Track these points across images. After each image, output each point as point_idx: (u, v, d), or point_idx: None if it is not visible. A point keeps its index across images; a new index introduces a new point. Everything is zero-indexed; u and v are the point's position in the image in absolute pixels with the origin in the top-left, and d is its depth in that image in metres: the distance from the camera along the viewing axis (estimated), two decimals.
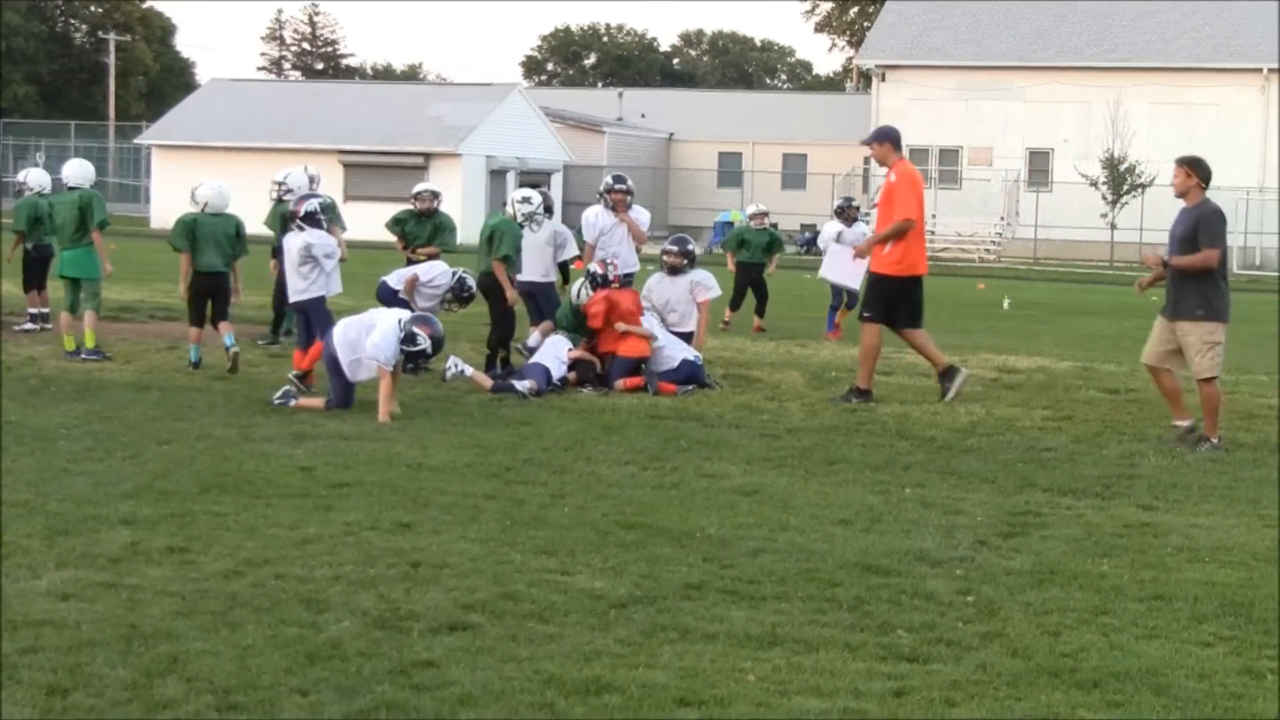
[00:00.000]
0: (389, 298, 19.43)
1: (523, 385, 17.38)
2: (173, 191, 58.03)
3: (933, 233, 66.03)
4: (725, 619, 8.96)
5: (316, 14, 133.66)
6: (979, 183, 66.81)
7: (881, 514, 11.98)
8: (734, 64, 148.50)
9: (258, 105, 69.43)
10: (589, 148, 74.96)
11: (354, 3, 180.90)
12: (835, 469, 13.82)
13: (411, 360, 16.57)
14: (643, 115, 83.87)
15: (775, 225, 29.03)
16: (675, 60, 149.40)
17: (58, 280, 22.64)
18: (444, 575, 9.66)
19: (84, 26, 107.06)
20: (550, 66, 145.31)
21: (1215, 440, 15.47)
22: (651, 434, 15.27)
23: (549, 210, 20.00)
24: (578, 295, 18.94)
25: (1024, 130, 66.98)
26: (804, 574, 10.03)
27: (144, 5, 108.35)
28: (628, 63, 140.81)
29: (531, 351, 18.98)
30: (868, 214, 28.33)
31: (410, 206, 21.94)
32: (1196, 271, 15.27)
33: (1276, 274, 57.19)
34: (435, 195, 22.08)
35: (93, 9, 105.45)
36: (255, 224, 21.62)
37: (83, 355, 19.00)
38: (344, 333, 16.06)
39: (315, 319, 17.51)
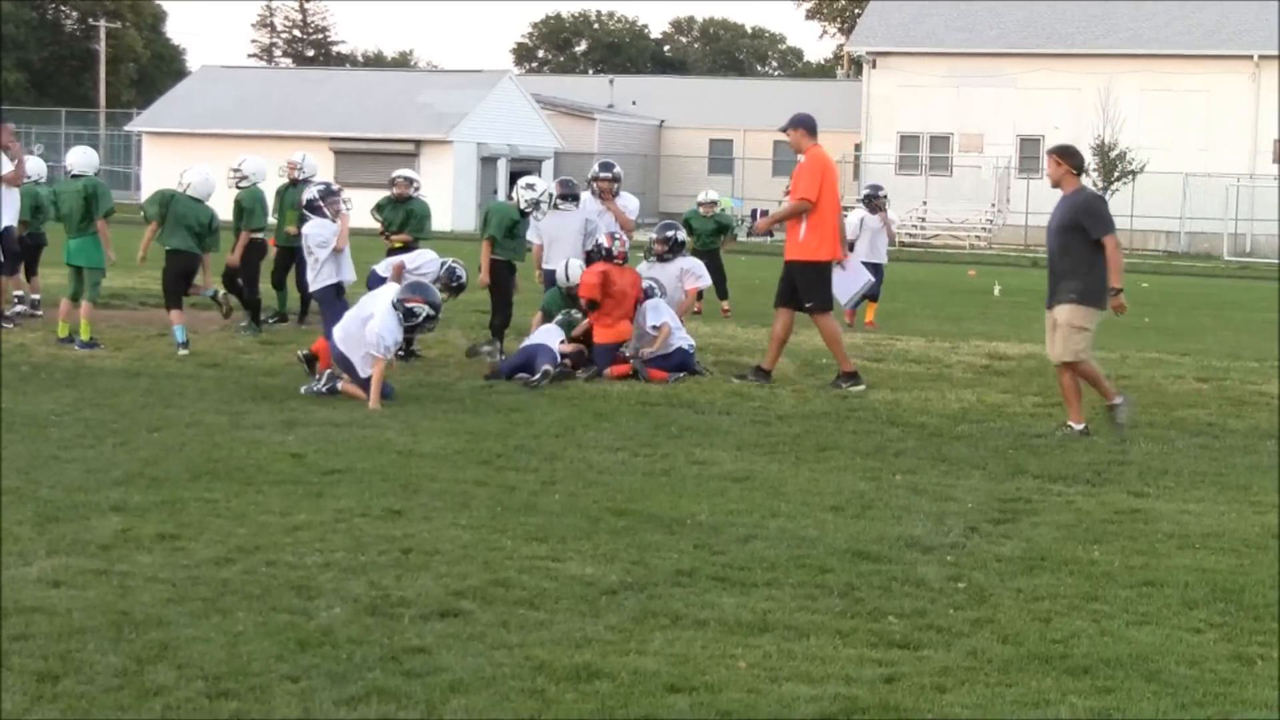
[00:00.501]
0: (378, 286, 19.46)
1: (538, 371, 17.31)
2: (163, 178, 57.60)
3: (923, 219, 66.12)
4: (716, 605, 8.96)
5: (307, 1, 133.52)
6: (970, 170, 66.81)
7: (872, 500, 11.98)
8: (725, 51, 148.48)
9: (249, 92, 69.38)
10: (580, 135, 74.96)
11: None
12: (826, 455, 13.82)
13: (420, 330, 16.56)
14: (633, 102, 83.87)
15: (723, 211, 28.96)
16: (666, 47, 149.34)
17: (47, 267, 22.72)
18: (434, 562, 9.66)
19: (74, 13, 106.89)
20: (541, 53, 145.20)
21: (1079, 426, 15.27)
22: (642, 420, 15.27)
23: (575, 198, 19.97)
24: (566, 278, 18.92)
25: (1015, 117, 66.96)
26: (794, 560, 10.03)
27: None
28: (619, 49, 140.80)
29: None
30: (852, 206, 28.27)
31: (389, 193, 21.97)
32: (1081, 259, 15.18)
33: (1276, 261, 57.21)
34: (409, 181, 22.02)
35: None
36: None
37: (77, 345, 18.96)
38: (346, 330, 16.02)
39: (323, 310, 17.55)
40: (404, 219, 21.50)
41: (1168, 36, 66.05)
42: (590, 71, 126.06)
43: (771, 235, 20.63)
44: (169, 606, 8.51)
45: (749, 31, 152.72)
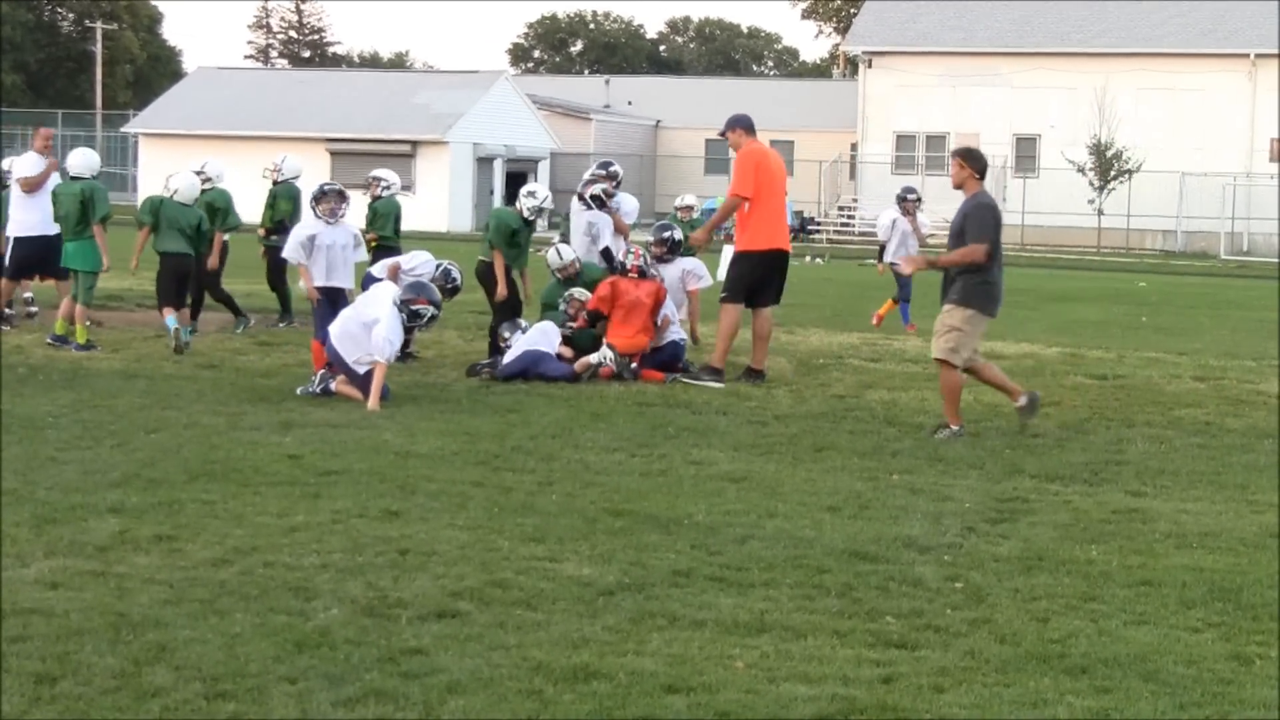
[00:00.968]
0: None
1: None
2: (160, 180, 57.89)
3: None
4: (713, 606, 8.96)
5: (303, 2, 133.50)
6: None
7: (869, 501, 11.98)
8: (721, 51, 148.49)
9: (245, 93, 69.39)
10: (576, 135, 74.95)
11: None
12: (823, 456, 13.82)
13: (423, 329, 16.59)
14: (629, 103, 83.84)
15: (702, 216, 29.04)
16: (662, 47, 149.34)
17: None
18: (432, 563, 9.66)
19: (71, 15, 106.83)
20: (537, 54, 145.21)
21: (956, 428, 15.12)
22: (639, 421, 15.26)
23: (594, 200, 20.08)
24: (559, 255, 19.09)
25: (1011, 116, 66.95)
26: (792, 561, 10.04)
27: None
28: (614, 50, 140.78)
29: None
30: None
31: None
32: (969, 263, 15.11)
33: (1274, 260, 57.23)
34: (375, 180, 21.98)
35: None
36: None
37: (73, 348, 18.94)
38: (344, 329, 16.00)
39: (316, 311, 17.53)
40: (370, 218, 21.57)
41: (1163, 35, 66.06)
42: (586, 72, 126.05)
43: (712, 241, 20.79)
44: (166, 608, 8.51)
45: (745, 31, 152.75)
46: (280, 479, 11.95)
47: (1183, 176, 62.78)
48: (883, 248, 26.42)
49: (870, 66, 69.58)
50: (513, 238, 19.08)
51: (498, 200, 63.32)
